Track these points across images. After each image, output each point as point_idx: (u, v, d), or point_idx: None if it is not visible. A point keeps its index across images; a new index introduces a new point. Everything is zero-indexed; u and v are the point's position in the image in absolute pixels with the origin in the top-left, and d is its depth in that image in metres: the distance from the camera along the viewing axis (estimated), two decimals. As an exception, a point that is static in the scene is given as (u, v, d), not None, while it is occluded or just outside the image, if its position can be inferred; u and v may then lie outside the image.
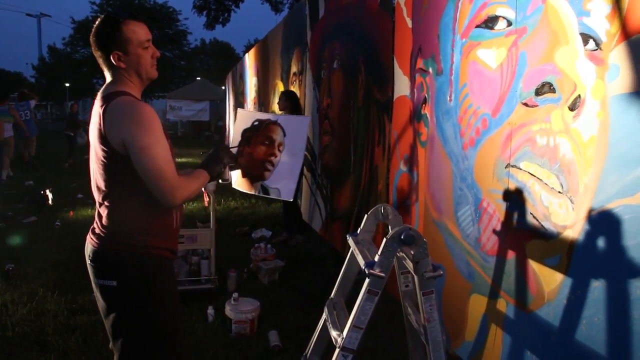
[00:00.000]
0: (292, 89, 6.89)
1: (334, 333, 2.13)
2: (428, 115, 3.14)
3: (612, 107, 1.83)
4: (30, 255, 5.07)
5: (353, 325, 1.98)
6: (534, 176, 2.21)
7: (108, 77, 2.00)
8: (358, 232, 2.37)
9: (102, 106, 1.88)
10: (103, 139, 1.86)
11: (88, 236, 2.03)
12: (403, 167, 3.54)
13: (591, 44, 1.91)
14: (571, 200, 2.01)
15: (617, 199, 1.80)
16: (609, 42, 1.83)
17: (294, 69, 6.87)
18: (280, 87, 7.60)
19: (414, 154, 3.35)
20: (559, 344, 2.08)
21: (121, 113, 1.86)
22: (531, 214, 2.24)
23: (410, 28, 3.39)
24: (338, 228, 4.87)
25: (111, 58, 1.95)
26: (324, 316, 2.36)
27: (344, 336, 1.99)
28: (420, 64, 3.25)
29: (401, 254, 2.09)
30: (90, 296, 3.89)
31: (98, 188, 1.97)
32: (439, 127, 3.01)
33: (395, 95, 3.64)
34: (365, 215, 2.37)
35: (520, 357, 2.31)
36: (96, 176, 1.96)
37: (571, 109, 2.01)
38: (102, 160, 1.90)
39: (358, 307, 1.97)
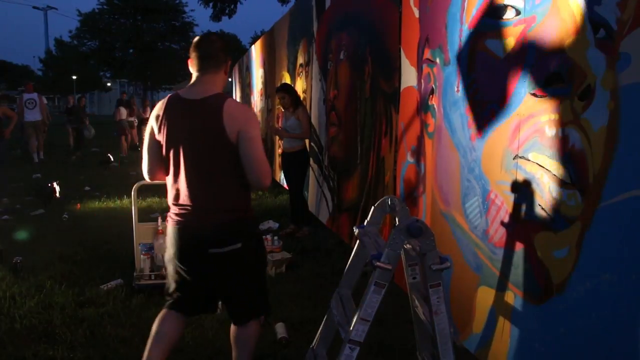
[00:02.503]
0: (298, 80, 6.86)
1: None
2: (435, 106, 3.11)
3: (623, 97, 1.80)
4: (38, 247, 5.08)
5: (360, 318, 1.97)
6: (543, 167, 2.18)
7: (200, 77, 2.40)
8: (365, 224, 2.35)
9: (216, 104, 2.31)
10: (221, 131, 2.27)
11: (194, 217, 2.36)
12: (410, 159, 3.52)
13: (602, 33, 1.88)
14: (580, 192, 1.98)
15: (628, 190, 1.77)
16: (620, 30, 1.80)
17: (300, 60, 6.84)
18: (287, 78, 7.58)
19: (421, 145, 3.32)
20: (567, 337, 2.06)
21: (238, 110, 2.35)
22: (540, 205, 2.21)
23: (417, 18, 3.36)
24: (345, 220, 4.86)
25: (227, 65, 2.49)
26: (331, 308, 2.36)
27: (351, 329, 1.98)
28: (427, 54, 3.21)
29: (408, 246, 2.07)
30: (98, 289, 3.91)
31: (211, 173, 2.34)
32: (446, 118, 2.99)
33: (403, 86, 3.61)
34: (372, 207, 2.35)
35: (528, 349, 2.30)
36: (210, 163, 2.34)
37: (581, 99, 1.97)
38: (219, 149, 2.31)
39: (365, 299, 1.96)
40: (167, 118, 2.37)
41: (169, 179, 2.43)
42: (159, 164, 2.46)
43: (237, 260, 2.39)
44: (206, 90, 2.37)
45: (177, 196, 2.40)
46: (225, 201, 2.36)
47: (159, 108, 2.44)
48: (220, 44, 2.45)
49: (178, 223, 2.40)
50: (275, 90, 6.05)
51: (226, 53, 2.47)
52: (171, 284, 2.54)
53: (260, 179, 2.34)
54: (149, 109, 15.31)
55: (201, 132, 2.32)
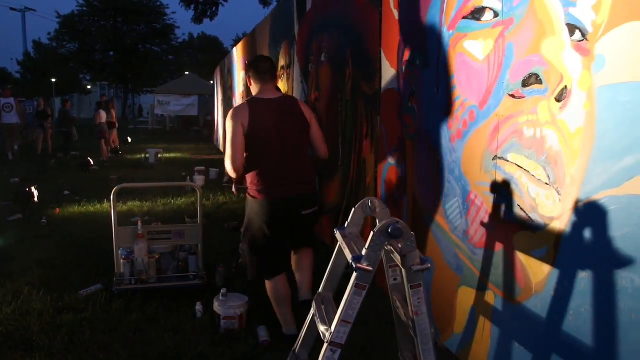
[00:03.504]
0: (280, 82, 6.85)
1: (322, 328, 2.11)
2: (415, 108, 3.12)
3: (598, 98, 1.82)
4: (16, 253, 4.99)
5: (341, 320, 1.96)
6: (521, 168, 2.21)
7: (265, 86, 3.18)
8: (346, 225, 2.35)
9: (292, 100, 3.39)
10: (303, 116, 3.17)
11: (292, 186, 3.11)
12: (391, 160, 3.53)
13: (577, 35, 1.90)
14: (558, 192, 2.01)
15: (604, 190, 1.80)
16: (594, 32, 1.83)
17: (281, 62, 6.82)
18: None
19: (402, 146, 3.33)
20: (547, 335, 2.08)
21: (304, 103, 3.38)
22: (518, 205, 2.23)
23: (397, 20, 3.37)
24: (327, 222, 4.86)
25: (277, 77, 3.62)
26: (312, 311, 2.35)
27: (332, 331, 1.98)
28: (407, 56, 3.23)
29: (389, 247, 2.07)
30: (77, 294, 3.85)
31: (300, 150, 3.16)
32: (426, 120, 3.00)
33: (383, 88, 3.62)
34: (353, 209, 2.35)
35: (509, 348, 2.31)
36: (297, 145, 3.15)
37: (558, 100, 2.00)
38: (305, 132, 3.17)
39: (346, 301, 1.96)
40: (256, 114, 3.04)
41: (260, 163, 3.07)
42: (243, 156, 3.06)
43: (314, 219, 3.31)
44: (275, 93, 3.24)
45: (270, 175, 3.07)
46: (308, 174, 3.22)
47: (242, 109, 3.06)
48: (271, 62, 3.33)
49: (272, 196, 3.07)
50: None
51: (275, 68, 3.44)
52: (268, 256, 3.27)
53: (325, 150, 3.29)
54: (113, 112, 14.98)
55: (291, 118, 3.12)
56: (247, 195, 3.22)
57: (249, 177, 3.14)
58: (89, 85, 48.85)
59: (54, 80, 39.54)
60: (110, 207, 4.01)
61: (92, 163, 11.51)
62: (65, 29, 42.99)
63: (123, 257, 3.96)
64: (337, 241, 2.31)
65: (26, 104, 15.01)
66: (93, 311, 3.59)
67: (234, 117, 3.03)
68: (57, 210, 7.09)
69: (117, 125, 15.08)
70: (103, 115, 13.69)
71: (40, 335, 3.21)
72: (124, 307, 3.66)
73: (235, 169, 3.06)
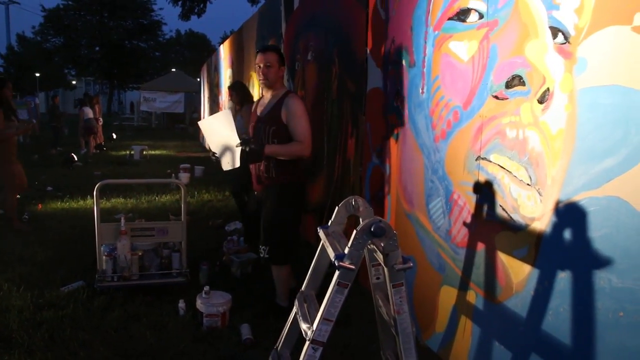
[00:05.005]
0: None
1: (304, 326, 2.11)
2: (400, 108, 3.14)
3: (579, 100, 1.84)
4: (-4, 249, 4.93)
5: (323, 318, 1.97)
6: (504, 168, 2.23)
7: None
8: (329, 224, 2.35)
9: None
10: None
11: None
12: (375, 159, 3.54)
13: (560, 38, 1.92)
14: (539, 193, 2.03)
15: (584, 191, 1.82)
16: (577, 35, 1.85)
17: (268, 60, 6.80)
18: (255, 78, 7.52)
19: (387, 146, 3.34)
20: (526, 334, 2.10)
21: None
22: (500, 206, 2.25)
23: (383, 20, 3.38)
24: (311, 221, 4.86)
25: None
26: (294, 309, 2.35)
27: (314, 329, 1.98)
28: (393, 56, 3.24)
29: (372, 246, 2.08)
30: (58, 291, 3.82)
31: None
32: (411, 120, 3.01)
33: (369, 87, 3.63)
34: (337, 207, 2.35)
35: (489, 347, 2.33)
36: None
37: (540, 101, 2.02)
38: None
39: (328, 299, 1.96)
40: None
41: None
42: None
43: None
44: None
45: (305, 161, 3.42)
46: None
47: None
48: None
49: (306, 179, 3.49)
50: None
51: None
52: (296, 240, 3.60)
53: None
54: (98, 107, 14.74)
55: None
56: (288, 180, 3.29)
57: (294, 164, 3.30)
58: (73, 80, 48.32)
59: (37, 74, 38.99)
60: (94, 203, 3.97)
61: (76, 159, 11.39)
62: (50, 23, 42.42)
63: (105, 253, 3.92)
64: (320, 239, 2.31)
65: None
66: (74, 308, 3.55)
67: (305, 108, 3.31)
68: (40, 206, 7.00)
69: (101, 121, 14.93)
70: (89, 111, 13.54)
71: (19, 332, 3.16)
72: (105, 304, 3.62)
73: (310, 153, 3.30)
